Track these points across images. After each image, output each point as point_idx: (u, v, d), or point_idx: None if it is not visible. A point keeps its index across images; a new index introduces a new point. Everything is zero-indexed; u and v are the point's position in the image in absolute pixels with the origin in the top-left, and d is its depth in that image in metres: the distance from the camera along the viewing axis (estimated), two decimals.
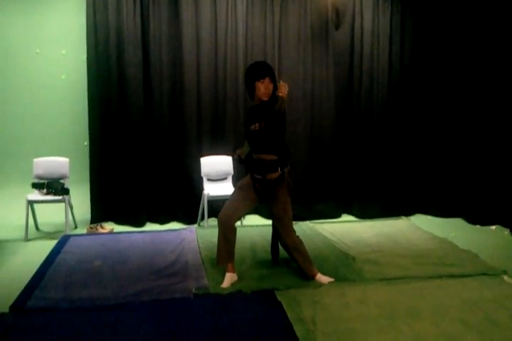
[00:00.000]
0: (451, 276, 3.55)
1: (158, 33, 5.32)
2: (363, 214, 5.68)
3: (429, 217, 5.68)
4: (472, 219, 5.43)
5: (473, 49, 5.45)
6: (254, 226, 5.11)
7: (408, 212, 5.74)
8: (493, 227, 5.18)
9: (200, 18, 5.37)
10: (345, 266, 3.80)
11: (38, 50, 5.58)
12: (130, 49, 5.24)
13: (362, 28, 5.66)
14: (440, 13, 5.66)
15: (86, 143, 5.41)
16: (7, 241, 4.66)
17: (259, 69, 3.36)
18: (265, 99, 3.34)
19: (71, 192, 5.02)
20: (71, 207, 5.10)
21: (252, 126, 3.41)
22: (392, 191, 5.80)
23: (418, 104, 5.82)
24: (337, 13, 5.68)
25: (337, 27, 5.71)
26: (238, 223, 5.29)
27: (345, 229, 4.96)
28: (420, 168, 5.84)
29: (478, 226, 5.30)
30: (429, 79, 5.78)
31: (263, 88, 3.32)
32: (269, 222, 5.40)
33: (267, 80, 3.31)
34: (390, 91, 5.80)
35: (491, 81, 5.31)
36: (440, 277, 3.54)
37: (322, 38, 5.65)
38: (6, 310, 2.95)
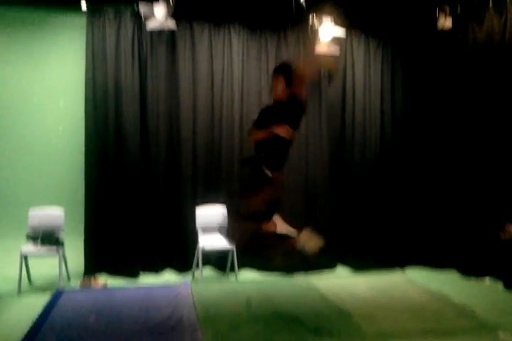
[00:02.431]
0: (447, 333, 3.56)
1: (155, 86, 5.48)
2: (358, 264, 5.70)
3: (423, 270, 5.69)
4: (465, 270, 5.45)
5: (466, 96, 5.58)
6: (250, 281, 5.10)
7: (402, 263, 5.76)
8: (487, 280, 5.20)
9: (196, 72, 5.55)
10: (342, 322, 3.79)
11: (35, 99, 5.68)
12: (128, 102, 5.37)
13: (354, 80, 5.86)
14: (430, 61, 5.88)
15: (80, 196, 5.43)
16: (0, 294, 4.60)
17: (277, 67, 3.55)
18: (280, 99, 3.46)
19: (65, 243, 5.01)
20: (65, 260, 5.07)
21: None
22: (386, 242, 5.83)
23: (411, 154, 5.95)
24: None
25: (329, 81, 5.91)
26: (233, 275, 5.31)
27: (340, 284, 4.95)
28: (413, 220, 5.91)
29: (472, 278, 5.32)
30: (422, 127, 5.94)
31: (275, 85, 3.45)
32: (264, 274, 5.47)
33: (280, 78, 3.40)
34: (382, 141, 5.95)
35: (485, 128, 5.38)
36: (436, 333, 3.55)
37: (315, 90, 5.81)
38: None
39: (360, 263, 5.70)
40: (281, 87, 3.41)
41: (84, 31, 5.31)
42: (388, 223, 5.87)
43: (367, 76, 5.91)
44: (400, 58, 5.98)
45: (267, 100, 5.71)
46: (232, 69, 5.64)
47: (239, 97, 5.66)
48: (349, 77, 5.88)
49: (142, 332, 3.57)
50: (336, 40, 5.62)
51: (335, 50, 5.63)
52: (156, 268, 5.51)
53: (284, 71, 3.45)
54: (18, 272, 4.71)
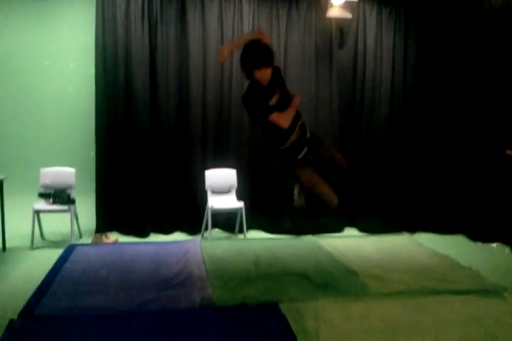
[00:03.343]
0: (453, 292, 3.60)
1: (165, 50, 5.43)
2: (366, 228, 5.76)
3: (431, 234, 5.73)
4: (473, 236, 5.49)
5: (479, 62, 5.52)
6: (259, 239, 5.17)
7: (410, 228, 5.80)
8: (494, 245, 5.24)
9: (206, 35, 5.48)
10: (349, 280, 3.84)
11: (46, 62, 5.68)
12: (137, 64, 5.34)
13: (365, 46, 5.76)
14: (444, 27, 5.77)
15: (92, 154, 5.49)
16: (14, 249, 4.71)
17: (255, 58, 3.20)
18: (265, 84, 3.28)
19: (77, 201, 5.09)
20: (76, 217, 5.16)
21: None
22: (395, 207, 5.86)
23: (421, 120, 5.90)
24: (341, 31, 5.80)
25: (341, 45, 5.82)
26: (241, 236, 5.39)
27: (347, 244, 4.99)
28: (424, 184, 5.90)
29: (479, 243, 5.36)
30: (433, 94, 5.87)
31: (260, 76, 3.24)
32: (272, 236, 5.54)
33: (263, 68, 3.21)
34: (392, 108, 5.88)
35: (496, 97, 5.36)
36: (441, 293, 3.59)
37: (326, 55, 5.75)
38: (14, 316, 2.99)
39: (369, 227, 5.76)
40: (268, 74, 3.24)
41: None
42: (398, 187, 5.88)
43: (378, 40, 5.80)
44: (413, 23, 5.84)
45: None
46: (242, 32, 5.54)
47: None
48: (361, 42, 5.78)
49: (152, 286, 3.64)
50: (348, 4, 5.51)
51: (347, 13, 5.54)
52: (165, 229, 5.59)
53: (266, 60, 3.21)
54: (30, 228, 4.81)
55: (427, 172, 5.90)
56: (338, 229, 5.79)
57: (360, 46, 5.78)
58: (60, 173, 5.23)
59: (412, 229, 5.82)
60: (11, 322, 2.90)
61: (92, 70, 5.38)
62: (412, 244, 5.09)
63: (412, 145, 5.92)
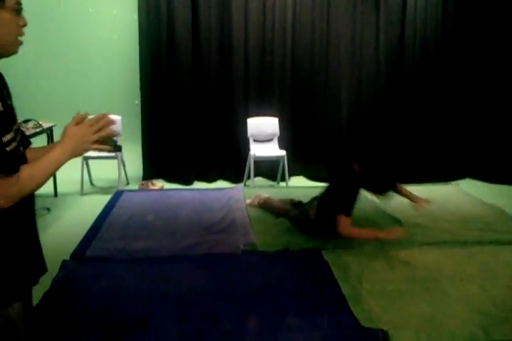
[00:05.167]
0: (500, 243, 3.51)
1: None
2: (412, 178, 5.63)
3: (478, 183, 5.58)
4: None
5: None
6: (301, 187, 5.15)
7: (457, 177, 5.65)
8: None
9: None
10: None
11: (90, 9, 5.64)
12: (180, 9, 5.25)
13: None
14: None
15: (137, 102, 5.52)
16: (64, 194, 4.90)
17: None
18: None
19: (123, 149, 5.17)
20: (123, 164, 5.27)
21: None
22: (442, 156, 5.70)
23: (472, 64, 5.61)
24: None
25: None
26: (283, 184, 5.39)
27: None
28: (472, 132, 5.70)
29: None
30: (484, 36, 5.54)
31: None
32: (313, 183, 5.52)
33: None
34: (438, 55, 5.62)
35: None
36: (489, 243, 3.51)
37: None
38: (67, 257, 3.14)
39: (415, 179, 5.63)
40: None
41: None
42: (446, 136, 5.70)
43: None
44: None
45: (319, 10, 5.44)
46: None
47: (292, 3, 5.42)
48: None
49: (197, 231, 3.71)
50: None
51: None
52: (209, 177, 5.66)
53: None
54: (80, 174, 4.96)
55: (476, 120, 5.67)
56: None
57: None
58: None
59: (460, 177, 5.67)
60: (64, 262, 3.04)
61: (135, 17, 5.31)
62: (459, 194, 4.95)
63: (461, 94, 5.67)
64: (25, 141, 1.60)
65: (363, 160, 3.21)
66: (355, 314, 2.43)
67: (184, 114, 5.45)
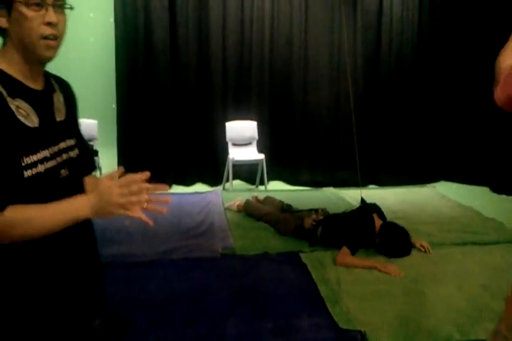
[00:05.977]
0: (476, 243, 3.57)
1: None
2: (388, 182, 5.69)
3: (454, 185, 5.66)
4: (497, 189, 5.40)
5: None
6: (279, 190, 5.16)
7: (433, 179, 5.73)
8: None
9: None
10: None
11: (66, 12, 5.58)
12: (157, 12, 5.21)
13: None
14: None
15: (114, 106, 5.46)
16: None
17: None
18: None
19: (99, 153, 5.12)
20: (100, 169, 5.20)
21: None
22: (418, 160, 5.78)
23: (447, 68, 5.70)
24: None
25: None
26: (262, 187, 5.39)
27: (369, 196, 4.94)
28: (447, 135, 5.79)
29: (503, 196, 5.28)
30: (460, 41, 5.64)
31: None
32: (292, 187, 5.54)
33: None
34: (416, 56, 5.71)
35: None
36: (465, 244, 3.56)
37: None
38: None
39: (391, 181, 5.69)
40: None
41: None
42: (420, 139, 5.78)
43: None
44: None
45: (297, 12, 5.48)
46: None
47: (269, 6, 5.43)
48: None
49: (175, 235, 3.69)
50: None
51: None
52: (187, 181, 5.63)
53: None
54: None
55: (451, 122, 5.77)
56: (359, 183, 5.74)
57: None
58: (83, 125, 5.20)
59: (435, 179, 5.75)
60: None
61: (112, 19, 5.26)
62: (435, 196, 5.03)
63: (437, 94, 5.76)
64: (77, 163, 1.28)
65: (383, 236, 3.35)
66: (334, 316, 2.44)
67: (161, 118, 5.42)
